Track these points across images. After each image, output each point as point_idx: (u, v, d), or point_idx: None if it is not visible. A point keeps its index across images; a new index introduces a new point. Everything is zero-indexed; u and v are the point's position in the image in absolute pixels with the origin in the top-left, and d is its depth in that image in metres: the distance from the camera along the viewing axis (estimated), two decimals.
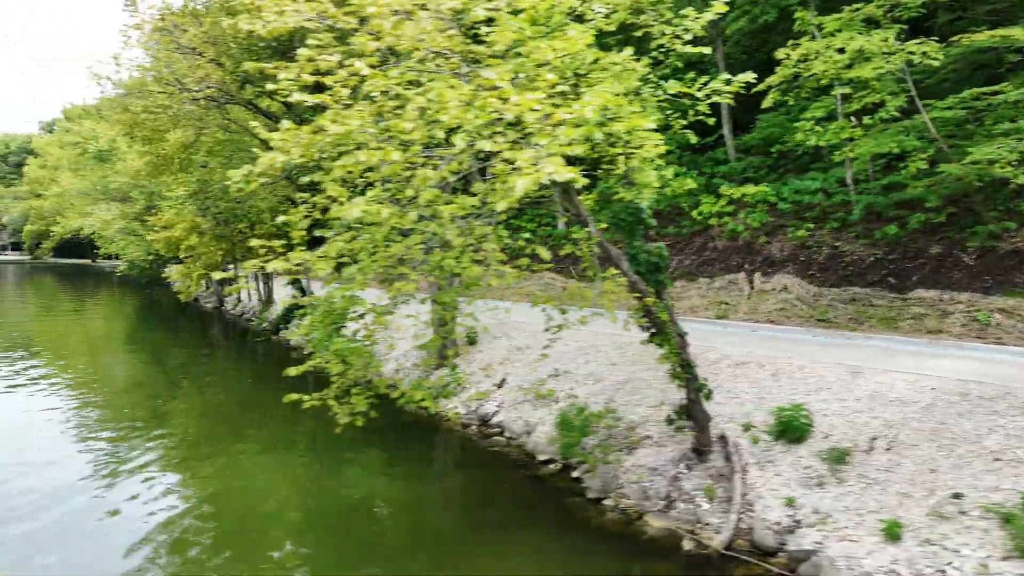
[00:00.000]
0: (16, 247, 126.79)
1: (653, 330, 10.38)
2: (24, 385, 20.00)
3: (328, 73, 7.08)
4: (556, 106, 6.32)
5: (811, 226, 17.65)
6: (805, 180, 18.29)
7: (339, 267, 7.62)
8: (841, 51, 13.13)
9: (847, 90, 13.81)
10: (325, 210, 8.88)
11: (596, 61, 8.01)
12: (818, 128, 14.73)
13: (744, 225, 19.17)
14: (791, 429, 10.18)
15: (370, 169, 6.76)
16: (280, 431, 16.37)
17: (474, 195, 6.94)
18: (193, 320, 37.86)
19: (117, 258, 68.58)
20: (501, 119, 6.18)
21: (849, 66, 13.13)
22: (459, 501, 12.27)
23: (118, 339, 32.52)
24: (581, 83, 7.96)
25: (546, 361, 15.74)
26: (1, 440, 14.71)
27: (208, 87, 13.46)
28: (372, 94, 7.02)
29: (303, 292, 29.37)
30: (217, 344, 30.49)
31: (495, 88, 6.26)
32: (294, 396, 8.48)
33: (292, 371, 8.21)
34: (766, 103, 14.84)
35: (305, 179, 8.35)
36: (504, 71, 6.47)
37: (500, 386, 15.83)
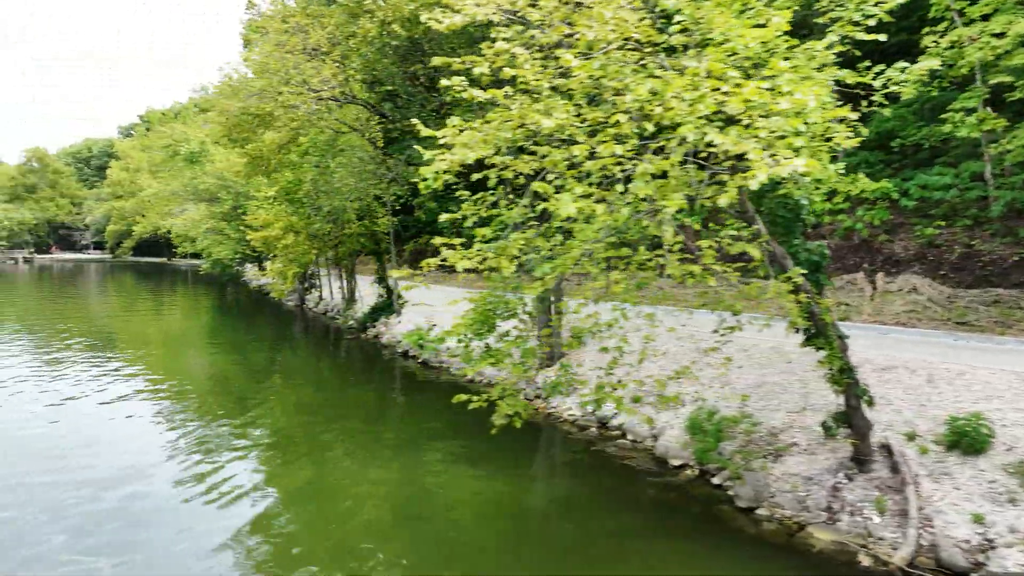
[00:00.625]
0: (98, 246, 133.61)
1: (813, 332, 9.91)
2: (110, 378, 20.42)
3: (508, 66, 6.93)
4: (774, 96, 6.00)
5: (941, 224, 16.68)
6: (932, 175, 17.30)
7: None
8: (1000, 36, 12.29)
9: (1007, 78, 12.91)
10: (493, 205, 8.76)
11: (790, 48, 7.61)
12: (967, 119, 13.84)
13: (863, 223, 18.29)
14: (968, 440, 9.52)
15: (571, 165, 6.57)
16: (375, 428, 16.37)
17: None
18: (275, 317, 38.81)
19: (196, 256, 71.21)
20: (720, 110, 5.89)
21: (1007, 53, 12.27)
22: (585, 505, 11.83)
23: (201, 335, 33.61)
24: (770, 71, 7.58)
25: (666, 363, 15.39)
26: (89, 434, 14.75)
27: (332, 87, 13.59)
28: (541, 86, 6.85)
29: (390, 292, 29.72)
30: (301, 341, 31.16)
31: (711, 78, 5.98)
32: (463, 397, 8.33)
33: (468, 371, 8.14)
34: (907, 94, 14.01)
35: (476, 176, 8.24)
36: (716, 60, 6.16)
37: (616, 388, 15.47)
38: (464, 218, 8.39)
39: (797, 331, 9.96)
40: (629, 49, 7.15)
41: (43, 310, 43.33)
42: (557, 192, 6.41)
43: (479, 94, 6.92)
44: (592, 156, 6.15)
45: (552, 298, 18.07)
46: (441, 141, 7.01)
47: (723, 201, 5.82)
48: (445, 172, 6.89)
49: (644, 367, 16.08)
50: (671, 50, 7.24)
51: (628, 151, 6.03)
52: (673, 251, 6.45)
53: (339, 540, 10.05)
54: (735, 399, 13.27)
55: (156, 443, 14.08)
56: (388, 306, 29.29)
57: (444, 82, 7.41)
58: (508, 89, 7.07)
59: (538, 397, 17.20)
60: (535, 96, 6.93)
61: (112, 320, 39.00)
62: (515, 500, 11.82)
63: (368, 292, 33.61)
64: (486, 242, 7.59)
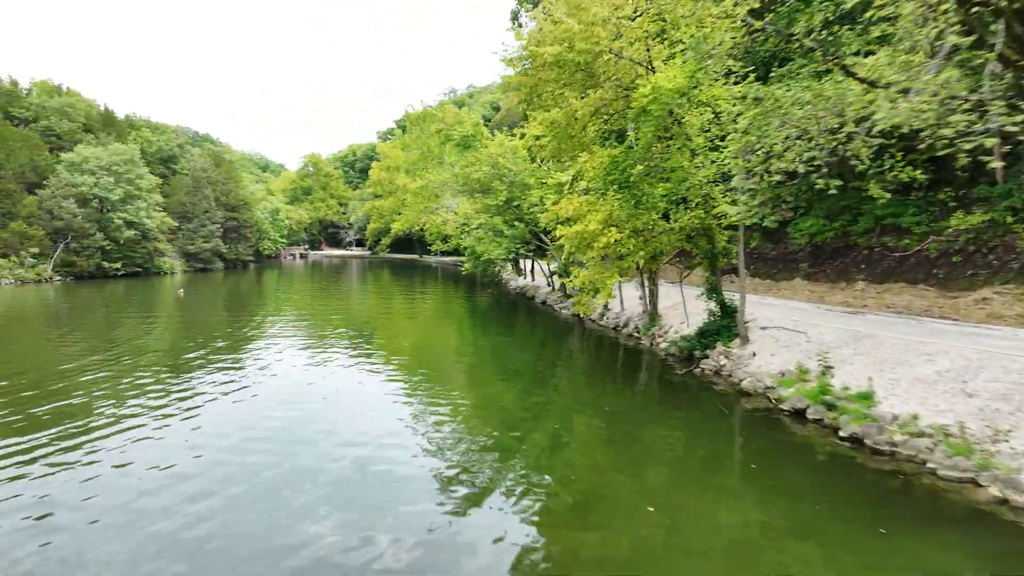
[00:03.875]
0: (359, 243, 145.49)
1: None
2: (375, 377, 19.71)
3: None
4: None
5: None
6: None
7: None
8: None
9: None
10: None
11: None
12: None
13: None
14: None
15: None
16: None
17: None
18: (547, 327, 32.56)
19: (447, 254, 70.10)
20: None
21: None
22: None
23: (464, 342, 28.87)
24: None
25: None
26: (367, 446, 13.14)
27: None
28: None
29: (723, 307, 21.53)
30: (597, 367, 23.81)
31: None
32: None
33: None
34: None
35: None
36: None
37: None
38: None
39: None
40: None
41: (316, 302, 45.55)
42: None
43: None
44: None
45: None
46: None
47: None
48: None
49: None
50: None
51: None
52: None
53: None
54: None
55: (424, 461, 12.40)
56: (725, 328, 21.05)
57: None
58: None
59: None
60: None
61: (378, 316, 38.34)
62: None
63: (674, 302, 25.72)
64: None
